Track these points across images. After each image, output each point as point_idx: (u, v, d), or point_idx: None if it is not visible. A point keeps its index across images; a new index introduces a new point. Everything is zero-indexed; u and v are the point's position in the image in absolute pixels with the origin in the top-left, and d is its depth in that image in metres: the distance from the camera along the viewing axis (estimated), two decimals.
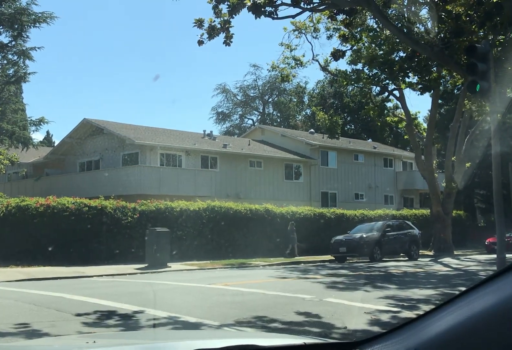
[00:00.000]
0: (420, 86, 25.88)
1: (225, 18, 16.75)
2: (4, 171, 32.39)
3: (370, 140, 53.35)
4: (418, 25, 25.79)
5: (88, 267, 18.28)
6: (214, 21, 16.86)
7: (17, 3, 31.19)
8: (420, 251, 25.88)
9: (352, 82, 30.29)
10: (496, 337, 1.33)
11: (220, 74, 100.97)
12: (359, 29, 24.98)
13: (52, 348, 2.62)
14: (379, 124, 33.76)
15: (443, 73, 26.12)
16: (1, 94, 32.53)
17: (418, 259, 24.44)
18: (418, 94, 31.59)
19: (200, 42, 16.93)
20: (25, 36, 31.64)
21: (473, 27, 17.19)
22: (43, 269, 17.44)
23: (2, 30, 31.22)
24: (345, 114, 54.91)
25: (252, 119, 69.77)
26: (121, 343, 2.62)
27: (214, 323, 7.54)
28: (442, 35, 18.96)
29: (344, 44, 26.02)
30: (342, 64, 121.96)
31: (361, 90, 30.82)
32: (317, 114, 33.36)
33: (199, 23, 16.73)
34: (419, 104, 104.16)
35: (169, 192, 29.07)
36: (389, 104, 35.66)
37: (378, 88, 29.06)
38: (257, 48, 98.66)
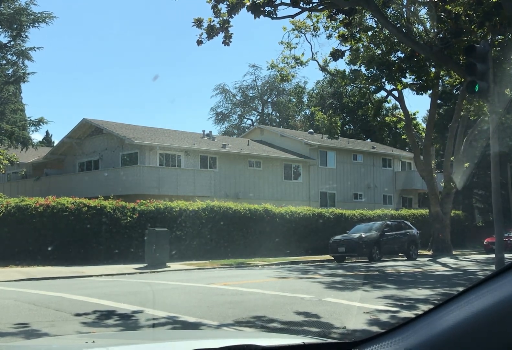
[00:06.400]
0: (417, 86, 25.96)
1: (224, 17, 16.75)
2: (3, 172, 32.39)
3: (369, 140, 53.36)
4: (417, 25, 25.81)
5: (88, 266, 18.28)
6: (213, 20, 16.86)
7: (16, 3, 31.20)
8: (418, 251, 25.89)
9: (350, 83, 30.33)
10: (496, 336, 1.33)
11: (219, 74, 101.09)
12: (358, 29, 25.01)
13: (51, 348, 2.63)
14: (375, 124, 33.81)
15: (442, 73, 26.16)
16: (0, 94, 32.51)
17: (417, 259, 24.45)
18: (415, 94, 31.63)
19: (199, 42, 16.92)
20: (24, 36, 31.69)
21: (473, 27, 17.21)
22: (42, 269, 17.43)
23: (1, 30, 31.23)
24: (344, 115, 54.91)
25: (251, 120, 69.82)
26: (120, 343, 2.62)
27: (213, 323, 7.54)
28: (442, 35, 18.99)
29: (343, 44, 26.04)
30: (341, 64, 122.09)
31: (359, 90, 30.87)
32: (316, 115, 33.37)
33: (198, 22, 16.72)
34: (418, 104, 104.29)
35: (168, 192, 29.08)
36: (388, 105, 35.74)
37: (376, 87, 29.10)
38: (256, 48, 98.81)
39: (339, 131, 32.43)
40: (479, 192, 50.22)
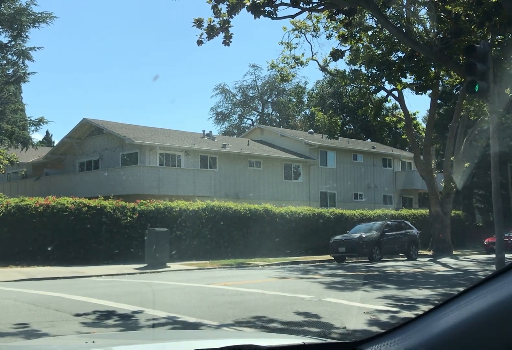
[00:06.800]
0: (417, 86, 25.98)
1: (225, 18, 16.75)
2: (3, 171, 32.39)
3: (369, 140, 53.37)
4: (417, 25, 25.81)
5: (87, 267, 18.27)
6: (214, 21, 16.87)
7: (16, 3, 31.21)
8: (419, 251, 25.87)
9: (350, 83, 30.33)
10: (496, 337, 1.33)
11: (219, 74, 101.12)
12: (358, 28, 25.01)
13: (51, 348, 2.63)
14: (375, 124, 33.83)
15: (441, 73, 26.16)
16: (0, 94, 32.52)
17: (417, 259, 24.44)
18: (415, 94, 31.65)
19: (200, 42, 16.93)
20: (25, 36, 31.70)
21: (472, 27, 17.20)
22: (42, 269, 17.43)
23: (1, 30, 31.23)
24: (344, 114, 54.93)
25: (251, 119, 69.82)
26: (120, 343, 2.62)
27: (213, 323, 7.54)
28: (441, 35, 18.98)
29: (343, 44, 26.05)
30: (341, 64, 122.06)
31: (359, 90, 30.89)
32: (316, 115, 33.37)
33: (199, 23, 16.72)
34: (418, 104, 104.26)
35: (169, 191, 29.07)
36: (388, 105, 35.73)
37: (376, 87, 29.11)
38: (256, 48, 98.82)
39: (338, 132, 32.44)
40: (479, 192, 50.23)
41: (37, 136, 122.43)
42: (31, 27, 31.49)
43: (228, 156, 34.03)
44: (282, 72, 29.53)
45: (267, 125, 53.44)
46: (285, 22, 34.98)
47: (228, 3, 16.26)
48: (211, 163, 33.21)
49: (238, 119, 69.52)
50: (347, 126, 56.54)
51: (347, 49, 27.48)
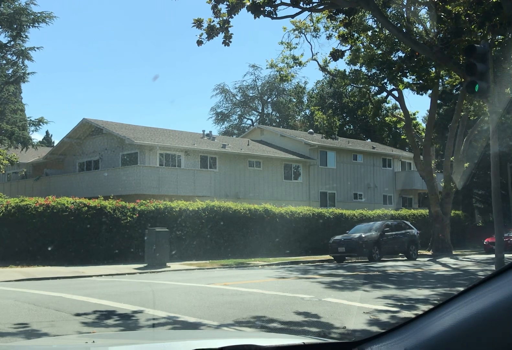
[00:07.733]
0: (417, 85, 26.01)
1: (224, 18, 16.77)
2: (3, 172, 32.41)
3: (369, 140, 53.36)
4: (417, 25, 25.82)
5: (87, 266, 18.28)
6: (213, 21, 16.88)
7: (16, 3, 31.21)
8: (418, 251, 25.88)
9: (350, 83, 30.35)
10: (496, 336, 1.33)
11: (219, 74, 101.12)
12: (357, 28, 25.03)
13: (51, 348, 2.63)
14: (374, 124, 33.89)
15: (442, 73, 26.18)
16: (0, 94, 32.53)
17: (417, 259, 24.45)
18: (415, 94, 31.69)
19: (199, 42, 16.94)
20: (24, 36, 31.71)
21: (473, 27, 17.22)
22: (42, 269, 17.43)
23: (1, 30, 31.24)
24: (344, 115, 54.92)
25: (251, 120, 69.79)
26: (120, 343, 2.62)
27: (213, 323, 7.54)
28: (442, 35, 18.99)
29: (343, 44, 26.07)
30: (341, 64, 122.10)
31: (359, 90, 30.89)
32: (315, 114, 33.40)
33: (198, 23, 16.74)
34: (418, 104, 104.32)
35: (168, 192, 29.08)
36: (388, 105, 35.74)
37: (377, 88, 29.14)
38: (256, 49, 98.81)
39: (336, 132, 32.44)
40: (479, 192, 50.25)
41: (37, 136, 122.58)
42: (30, 27, 31.51)
43: (228, 157, 34.04)
44: (281, 72, 29.54)
45: (267, 125, 53.43)
46: (285, 22, 35.04)
47: (228, 3, 16.28)
48: (211, 163, 33.21)
49: (238, 120, 69.52)
50: (347, 127, 56.52)
51: (347, 49, 27.50)
